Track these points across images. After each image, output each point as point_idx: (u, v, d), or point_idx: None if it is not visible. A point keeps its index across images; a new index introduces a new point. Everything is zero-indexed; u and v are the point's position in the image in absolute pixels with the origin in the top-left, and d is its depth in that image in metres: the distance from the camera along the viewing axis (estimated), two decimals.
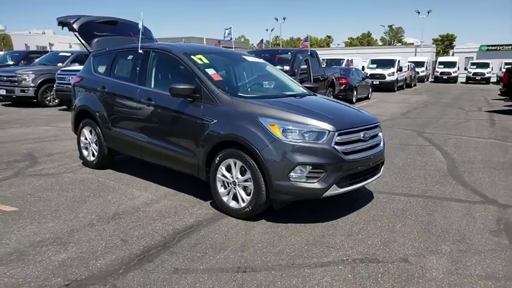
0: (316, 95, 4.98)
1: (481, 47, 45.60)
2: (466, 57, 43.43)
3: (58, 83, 12.94)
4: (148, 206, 4.31)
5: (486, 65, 35.43)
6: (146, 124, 4.80)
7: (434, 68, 39.63)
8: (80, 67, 13.31)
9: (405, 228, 3.84)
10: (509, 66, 16.24)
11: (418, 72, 32.26)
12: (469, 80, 35.19)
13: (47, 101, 14.19)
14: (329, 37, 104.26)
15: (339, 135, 3.75)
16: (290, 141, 3.67)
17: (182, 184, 4.94)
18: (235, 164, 3.95)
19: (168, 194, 4.69)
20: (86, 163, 5.86)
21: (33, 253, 3.22)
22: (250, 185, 3.86)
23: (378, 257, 3.26)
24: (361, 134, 3.99)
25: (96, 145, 5.63)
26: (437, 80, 36.13)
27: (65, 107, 13.40)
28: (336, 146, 3.71)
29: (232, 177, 4.00)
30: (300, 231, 3.72)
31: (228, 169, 4.05)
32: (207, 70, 4.47)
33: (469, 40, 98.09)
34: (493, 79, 34.77)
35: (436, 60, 41.92)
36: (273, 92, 4.87)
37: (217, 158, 4.06)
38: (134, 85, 4.98)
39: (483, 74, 34.66)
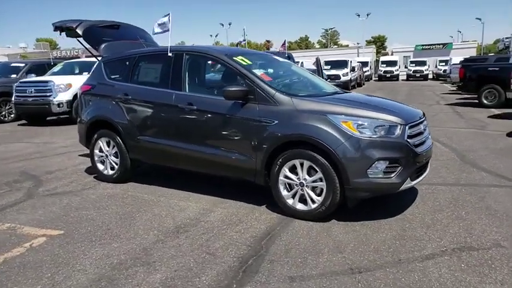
0: (351, 92, 4.99)
1: (417, 46, 48.81)
2: (404, 56, 46.19)
3: (17, 96, 11.96)
4: (206, 216, 4.07)
5: (424, 63, 37.93)
6: (186, 131, 4.54)
7: (376, 67, 41.66)
8: (39, 78, 12.54)
9: (472, 215, 3.94)
10: (466, 62, 17.50)
11: (364, 72, 33.75)
12: (409, 77, 37.45)
13: (2, 116, 13.07)
14: (268, 41, 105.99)
15: (409, 128, 3.78)
16: (366, 137, 3.64)
17: (223, 191, 4.73)
18: (301, 164, 3.85)
19: (215, 203, 4.46)
20: (102, 177, 5.42)
21: (122, 277, 2.91)
22: (321, 185, 3.77)
23: (471, 244, 3.31)
24: (421, 126, 4.06)
25: (116, 157, 5.24)
26: (381, 78, 38.08)
27: (23, 121, 12.42)
28: (408, 140, 3.74)
29: (298, 178, 3.89)
30: (379, 228, 3.69)
31: (292, 170, 3.93)
32: (255, 71, 4.32)
33: (396, 41, 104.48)
34: (430, 76, 37.26)
35: (377, 60, 44.12)
36: (314, 90, 4.81)
37: (280, 160, 3.93)
38: (167, 90, 4.69)
39: (422, 71, 37.07)
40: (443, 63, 35.66)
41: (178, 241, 3.50)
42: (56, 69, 13.44)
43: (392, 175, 3.67)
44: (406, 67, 40.21)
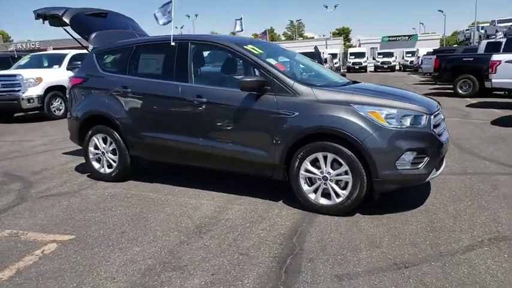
0: (362, 82, 4.89)
1: (383, 38, 49.80)
2: (371, 48, 47.02)
3: None
4: (224, 214, 3.87)
5: (391, 54, 38.77)
6: (195, 125, 4.29)
7: (344, 59, 42.19)
8: (5, 71, 11.72)
9: (493, 204, 3.94)
10: (436, 53, 18.00)
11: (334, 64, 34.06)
12: (377, 68, 38.20)
13: None
14: (234, 34, 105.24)
15: (434, 117, 3.72)
16: (394, 127, 3.54)
17: (233, 187, 4.54)
18: (325, 157, 3.71)
19: (229, 199, 4.26)
20: (98, 176, 5.08)
21: (157, 284, 2.68)
22: (346, 178, 3.65)
23: (505, 234, 3.29)
24: (442, 116, 4.02)
25: (114, 154, 4.92)
26: (349, 70, 38.58)
27: None
28: (434, 129, 3.67)
29: (321, 172, 3.75)
30: (406, 220, 3.62)
31: (313, 164, 3.79)
32: (269, 60, 4.13)
33: (359, 33, 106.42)
34: (397, 67, 38.11)
35: (345, 52, 44.71)
36: (326, 80, 4.65)
37: (301, 154, 3.77)
38: (172, 82, 4.41)
39: (389, 62, 37.89)
40: (410, 55, 36.58)
41: (204, 242, 3.28)
42: (22, 62, 12.66)
43: (419, 166, 3.60)
44: (374, 58, 40.97)
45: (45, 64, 12.31)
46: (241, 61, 4.29)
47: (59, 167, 5.87)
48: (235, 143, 4.10)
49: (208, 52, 4.76)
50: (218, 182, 4.73)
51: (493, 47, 15.33)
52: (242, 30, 8.46)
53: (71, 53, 12.26)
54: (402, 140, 3.52)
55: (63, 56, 12.10)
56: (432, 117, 3.68)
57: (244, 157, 4.07)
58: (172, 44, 4.47)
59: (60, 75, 11.41)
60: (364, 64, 38.52)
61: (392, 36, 49.31)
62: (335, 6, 52.04)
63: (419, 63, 24.65)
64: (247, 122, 4.02)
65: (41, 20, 5.49)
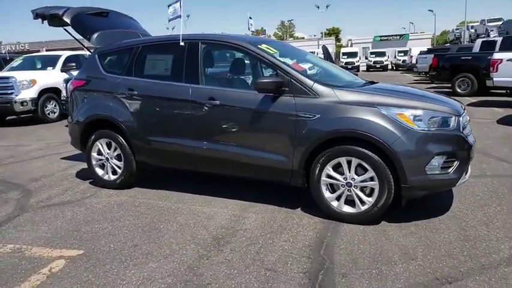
0: (379, 82, 4.68)
1: (375, 37, 49.89)
2: (363, 48, 47.06)
3: None
4: (241, 224, 3.64)
5: (383, 54, 38.79)
6: (207, 128, 4.06)
7: (336, 59, 42.09)
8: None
9: None
10: (431, 52, 18.02)
11: None
12: (369, 68, 38.17)
13: None
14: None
15: (461, 119, 3.53)
16: (423, 130, 3.34)
17: (245, 193, 4.32)
18: (349, 162, 3.50)
19: (243, 207, 4.03)
20: (101, 183, 4.82)
21: None
22: (372, 184, 3.44)
23: None
24: (467, 117, 3.83)
25: (119, 160, 4.66)
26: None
27: None
28: (463, 131, 3.48)
29: (344, 178, 3.53)
30: (436, 229, 3.42)
31: (335, 169, 3.57)
32: (285, 60, 3.91)
33: (348, 33, 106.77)
34: (389, 66, 38.13)
35: (337, 52, 44.67)
36: (343, 80, 4.43)
37: (323, 158, 3.56)
38: (182, 84, 4.17)
39: (382, 62, 37.90)
40: (402, 54, 36.62)
41: (224, 255, 3.05)
42: (14, 64, 12.27)
43: (449, 170, 3.40)
44: (366, 58, 40.96)
45: (39, 66, 11.95)
46: (256, 62, 4.06)
47: (59, 174, 5.59)
48: (251, 148, 3.87)
49: (219, 52, 4.51)
50: (229, 188, 4.50)
51: (488, 46, 15.37)
52: (249, 29, 8.18)
53: (65, 54, 11.93)
54: (432, 143, 3.33)
55: (57, 57, 11.75)
56: (460, 118, 3.49)
57: (260, 162, 3.85)
58: (182, 44, 4.23)
59: (55, 77, 11.08)
60: (356, 64, 38.46)
61: (384, 36, 49.45)
62: (327, 6, 52.00)
63: (414, 62, 24.60)
64: (263, 126, 3.79)
65: (39, 20, 5.21)
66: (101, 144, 4.72)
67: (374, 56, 39.04)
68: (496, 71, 10.53)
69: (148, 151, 4.44)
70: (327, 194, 3.64)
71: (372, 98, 3.54)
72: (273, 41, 4.95)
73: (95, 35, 4.92)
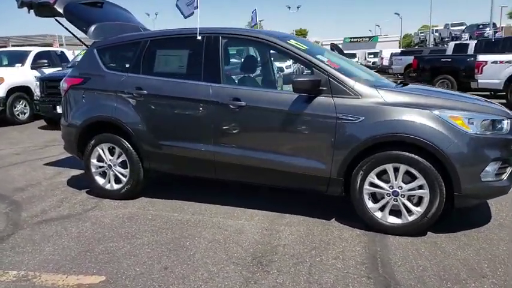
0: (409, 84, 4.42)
1: (345, 39, 50.56)
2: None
3: None
4: (277, 239, 3.27)
5: (354, 55, 39.13)
6: (231, 132, 3.66)
7: None
8: None
9: None
10: (404, 55, 18.30)
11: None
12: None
13: None
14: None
15: None
16: (477, 133, 3.09)
17: (268, 202, 3.98)
18: (395, 169, 3.21)
19: (273, 219, 3.67)
20: (102, 193, 4.31)
21: None
22: (421, 193, 3.17)
23: None
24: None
25: (124, 167, 4.17)
26: None
27: None
28: None
29: (390, 186, 3.24)
30: (490, 239, 3.21)
31: (379, 177, 3.28)
32: (319, 57, 3.58)
33: (314, 35, 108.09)
34: None
35: None
36: (378, 79, 4.10)
37: (366, 165, 3.26)
38: (200, 83, 3.76)
39: None
40: (372, 56, 37.19)
41: (274, 278, 2.68)
42: None
43: (503, 177, 3.19)
44: None
45: (5, 62, 11.03)
46: (288, 59, 3.71)
47: (47, 182, 5.00)
48: (282, 154, 3.52)
49: (243, 48, 4.12)
50: (247, 196, 4.14)
51: (461, 49, 15.79)
52: (256, 24, 7.75)
53: (35, 50, 11.08)
54: (487, 148, 3.09)
55: (26, 53, 10.88)
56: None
57: (293, 170, 3.50)
58: (199, 38, 3.81)
59: (24, 74, 10.23)
60: None
61: (354, 38, 50.23)
62: (298, 7, 52.20)
63: (386, 63, 24.96)
64: (297, 129, 3.45)
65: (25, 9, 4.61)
66: (102, 150, 4.21)
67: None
68: (481, 73, 10.66)
69: (159, 157, 3.99)
70: (370, 204, 3.33)
71: (422, 99, 3.27)
72: (298, 38, 4.60)
73: (92, 28, 4.39)
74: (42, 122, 9.67)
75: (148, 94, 3.92)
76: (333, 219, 3.63)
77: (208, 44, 3.79)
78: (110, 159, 4.20)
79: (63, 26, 4.56)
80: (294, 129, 3.46)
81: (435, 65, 14.01)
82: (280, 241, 3.23)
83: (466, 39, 20.03)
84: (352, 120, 3.26)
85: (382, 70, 29.73)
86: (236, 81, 3.91)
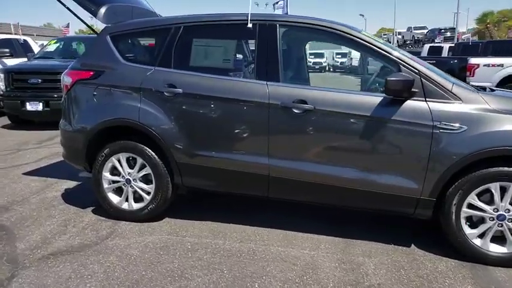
0: None
1: None
2: None
3: None
4: (364, 276, 2.66)
5: (322, 55, 39.05)
6: (294, 142, 3.01)
7: None
8: None
9: None
10: None
11: None
12: (308, 69, 38.08)
13: None
14: None
15: None
16: None
17: (321, 224, 3.38)
18: (503, 189, 2.69)
19: (343, 247, 3.05)
20: (117, 214, 3.51)
21: None
22: None
23: None
24: None
25: (147, 183, 3.39)
26: None
27: None
28: None
29: (495, 209, 2.72)
30: None
31: (479, 197, 2.75)
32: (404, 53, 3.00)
33: None
34: (327, 68, 38.69)
35: None
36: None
37: (467, 183, 2.71)
38: (254, 81, 3.07)
39: (321, 63, 37.99)
40: (340, 56, 37.33)
41: None
42: None
43: None
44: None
45: None
46: (365, 54, 3.09)
47: (35, 198, 4.08)
48: (359, 169, 2.90)
49: (306, 40, 3.44)
50: (290, 215, 3.50)
51: (435, 51, 15.94)
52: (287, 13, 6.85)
53: None
54: None
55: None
56: None
57: (373, 188, 2.89)
58: (249, 26, 3.10)
59: None
60: (324, 64, 37.71)
61: None
62: (266, 4, 51.65)
63: (356, 64, 25.00)
64: (381, 139, 2.85)
65: None
66: (118, 161, 3.40)
67: (313, 57, 38.95)
68: (473, 76, 10.55)
69: (195, 170, 3.25)
70: (467, 230, 2.79)
71: None
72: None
73: (103, 9, 3.56)
74: (6, 120, 8.48)
75: (184, 93, 3.16)
76: (412, 245, 3.05)
77: (263, 33, 3.10)
78: (129, 173, 3.40)
79: (64, 5, 3.67)
80: (376, 140, 2.86)
81: None
82: (370, 279, 2.61)
83: (439, 42, 20.33)
84: (452, 129, 2.70)
85: (351, 71, 29.89)
86: (302, 80, 3.23)
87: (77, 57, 9.00)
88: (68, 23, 25.51)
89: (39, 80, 7.73)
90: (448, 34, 32.42)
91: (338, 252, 2.95)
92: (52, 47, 9.77)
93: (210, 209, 3.70)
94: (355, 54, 28.85)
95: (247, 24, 3.10)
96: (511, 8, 43.27)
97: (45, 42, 11.81)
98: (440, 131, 2.71)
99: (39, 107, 7.66)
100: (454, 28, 32.70)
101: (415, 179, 2.79)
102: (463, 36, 22.14)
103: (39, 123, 8.02)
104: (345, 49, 40.95)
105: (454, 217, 2.78)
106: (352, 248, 3.02)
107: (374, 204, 2.97)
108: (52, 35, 26.61)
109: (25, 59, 9.42)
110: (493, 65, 10.36)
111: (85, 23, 3.80)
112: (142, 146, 3.31)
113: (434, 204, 2.83)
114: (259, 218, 3.49)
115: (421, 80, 2.79)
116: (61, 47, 9.74)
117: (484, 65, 10.50)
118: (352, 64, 27.77)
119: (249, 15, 3.10)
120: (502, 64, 10.32)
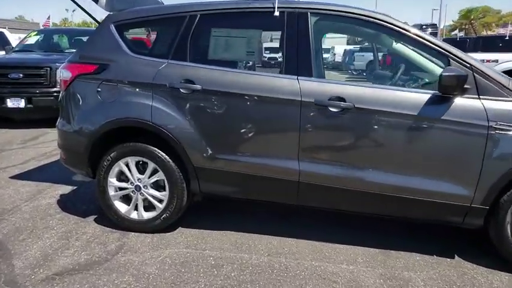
0: None
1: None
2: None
3: None
4: None
5: (277, 50, 38.84)
6: (329, 144, 2.71)
7: None
8: None
9: None
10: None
11: None
12: (264, 65, 37.76)
13: None
14: None
15: None
16: None
17: (353, 234, 3.10)
18: None
19: (382, 260, 2.77)
20: (125, 224, 3.14)
21: None
22: None
23: None
24: None
25: (160, 190, 3.04)
26: None
27: None
28: None
29: None
30: None
31: None
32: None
33: None
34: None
35: None
36: None
37: None
38: (283, 76, 2.75)
39: (275, 58, 37.84)
40: (268, 51, 37.09)
41: None
42: None
43: None
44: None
45: None
46: (411, 46, 2.80)
47: (28, 206, 3.66)
48: (403, 174, 2.62)
49: (340, 30, 3.13)
50: (310, 224, 3.23)
51: None
52: None
53: None
54: None
55: None
56: None
57: (418, 195, 2.62)
58: (276, 14, 2.77)
59: None
60: (279, 59, 37.72)
61: None
62: None
63: (340, 60, 24.92)
64: (428, 141, 2.57)
65: None
66: (126, 165, 3.03)
67: (268, 52, 38.37)
68: None
69: (216, 175, 2.91)
70: None
71: None
72: None
73: None
74: None
75: (204, 90, 2.81)
76: (456, 256, 2.80)
77: (292, 22, 2.78)
78: (139, 179, 3.03)
79: None
80: (423, 142, 2.58)
81: None
82: None
83: None
84: (510, 130, 2.43)
85: (335, 67, 29.79)
86: (337, 75, 2.92)
87: (59, 50, 8.65)
88: (49, 16, 24.79)
89: (21, 75, 7.18)
90: (430, 30, 32.62)
91: (379, 267, 2.67)
92: (32, 40, 9.18)
93: (227, 217, 3.38)
94: (339, 50, 28.78)
95: (273, 12, 2.76)
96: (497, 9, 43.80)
97: (21, 36, 11.17)
98: (497, 131, 2.45)
99: (21, 103, 7.11)
100: (435, 24, 32.95)
101: (467, 185, 2.54)
102: (452, 33, 22.22)
103: (21, 122, 7.49)
104: (275, 44, 40.34)
105: (509, 227, 2.53)
106: (393, 260, 2.75)
107: (419, 213, 2.70)
108: (27, 28, 25.63)
109: (2, 52, 8.82)
110: (488, 61, 10.31)
111: (85, 11, 3.38)
112: (155, 149, 2.94)
113: (488, 212, 2.57)
114: (282, 226, 3.18)
115: (474, 75, 2.52)
116: (41, 39, 9.16)
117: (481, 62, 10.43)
118: (336, 60, 27.62)
119: (276, 2, 2.76)
120: (497, 60, 10.28)
